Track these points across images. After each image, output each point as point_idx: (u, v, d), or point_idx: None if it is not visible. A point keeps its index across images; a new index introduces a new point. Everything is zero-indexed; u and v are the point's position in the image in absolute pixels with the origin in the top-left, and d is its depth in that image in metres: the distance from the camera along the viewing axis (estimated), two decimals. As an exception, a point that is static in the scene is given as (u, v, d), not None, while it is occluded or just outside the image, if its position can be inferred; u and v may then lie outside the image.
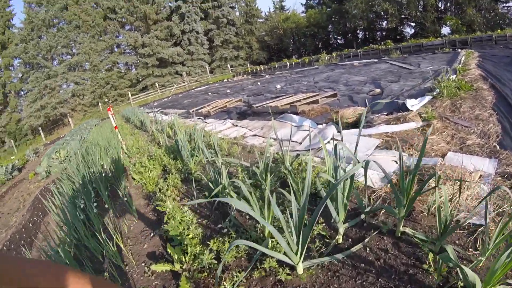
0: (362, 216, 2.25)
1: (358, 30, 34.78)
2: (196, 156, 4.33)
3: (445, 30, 25.20)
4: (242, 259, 2.15)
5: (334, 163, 2.07)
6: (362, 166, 1.66)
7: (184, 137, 4.43)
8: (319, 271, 1.86)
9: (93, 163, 5.15)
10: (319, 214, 1.57)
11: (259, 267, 1.96)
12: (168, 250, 2.27)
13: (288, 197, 2.12)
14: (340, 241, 2.08)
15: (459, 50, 13.11)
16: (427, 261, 1.75)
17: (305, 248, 1.73)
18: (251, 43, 42.02)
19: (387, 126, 4.52)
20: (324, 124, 5.18)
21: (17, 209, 8.18)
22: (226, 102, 10.69)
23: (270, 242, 2.11)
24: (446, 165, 2.76)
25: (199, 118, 9.65)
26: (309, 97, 7.30)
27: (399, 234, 2.01)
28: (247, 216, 2.71)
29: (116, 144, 6.63)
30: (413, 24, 28.52)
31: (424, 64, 10.34)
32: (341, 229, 2.03)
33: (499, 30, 16.30)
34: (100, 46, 36.73)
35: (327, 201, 1.86)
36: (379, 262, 1.83)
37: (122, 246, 2.66)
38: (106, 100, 34.58)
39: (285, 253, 1.70)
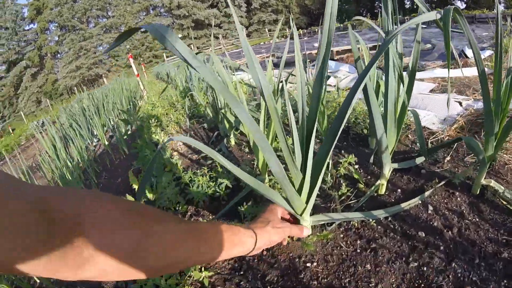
0: (418, 161, 1.42)
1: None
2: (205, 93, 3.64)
3: (499, 8, 23.91)
4: (223, 203, 1.42)
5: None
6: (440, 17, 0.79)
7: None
8: (341, 235, 1.08)
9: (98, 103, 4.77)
10: (352, 105, 0.76)
11: (242, 217, 1.22)
12: (130, 180, 1.60)
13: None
14: (383, 191, 1.26)
15: (516, 23, 12.06)
16: None
17: (318, 185, 0.92)
18: (291, 7, 39.85)
19: (444, 70, 3.58)
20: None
21: (34, 155, 8.50)
22: (257, 57, 9.85)
23: (267, 179, 1.36)
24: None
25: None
26: (347, 49, 6.34)
27: (478, 191, 1.17)
28: (247, 149, 1.99)
29: (134, 90, 6.36)
30: (465, -3, 27.04)
31: (478, 31, 9.76)
32: (387, 169, 1.20)
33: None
34: (135, 8, 36.57)
35: (372, 102, 1.04)
36: (450, 233, 1.01)
37: (94, 179, 2.45)
38: (141, 60, 34.50)
39: (279, 189, 0.91)
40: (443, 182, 1.25)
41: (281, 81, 1.36)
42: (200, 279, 1.02)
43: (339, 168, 1.40)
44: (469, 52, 4.37)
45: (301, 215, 0.94)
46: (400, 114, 1.18)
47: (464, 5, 27.19)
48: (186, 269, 1.03)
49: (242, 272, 1.03)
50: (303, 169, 0.87)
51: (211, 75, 0.63)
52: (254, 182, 0.85)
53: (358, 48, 1.40)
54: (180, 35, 36.45)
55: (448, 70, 0.80)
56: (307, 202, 0.91)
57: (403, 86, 1.09)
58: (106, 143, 3.62)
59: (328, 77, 1.93)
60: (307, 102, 0.89)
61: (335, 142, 0.83)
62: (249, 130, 0.70)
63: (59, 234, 0.41)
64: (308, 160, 0.85)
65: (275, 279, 0.96)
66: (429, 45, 6.61)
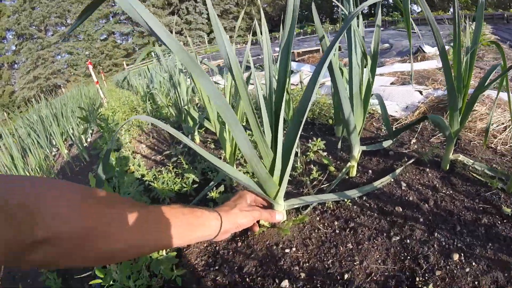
0: (385, 144, 1.43)
1: (364, 5, 35.17)
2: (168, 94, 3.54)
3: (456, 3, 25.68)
4: (190, 199, 1.35)
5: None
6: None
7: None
8: (317, 218, 1.05)
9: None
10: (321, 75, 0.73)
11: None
12: (90, 183, 1.49)
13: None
14: (354, 173, 1.25)
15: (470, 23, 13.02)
16: (504, 204, 0.96)
17: (289, 165, 0.87)
18: (252, 13, 40.19)
19: (402, 64, 3.72)
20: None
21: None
22: (218, 62, 9.79)
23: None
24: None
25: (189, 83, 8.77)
26: (308, 50, 6.46)
27: (447, 167, 1.20)
28: (212, 145, 1.90)
29: (94, 98, 6.17)
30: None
31: None
32: (356, 150, 1.18)
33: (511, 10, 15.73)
34: (95, 15, 35.39)
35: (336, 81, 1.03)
36: (427, 206, 1.01)
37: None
38: (100, 68, 33.38)
39: (250, 176, 0.86)
40: (412, 160, 1.26)
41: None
42: (172, 278, 0.95)
43: (308, 154, 1.38)
44: (426, 48, 4.56)
45: (274, 198, 0.89)
46: (365, 93, 1.17)
47: (420, 9, 29.00)
48: (155, 268, 0.96)
49: (217, 267, 0.96)
50: (274, 147, 0.82)
51: (176, 44, 0.57)
52: (224, 165, 0.79)
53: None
54: (140, 42, 35.72)
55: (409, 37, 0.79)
56: (280, 184, 0.87)
57: (367, 64, 1.09)
58: (66, 151, 3.43)
59: (292, 71, 1.93)
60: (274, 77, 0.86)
61: (305, 118, 0.80)
62: (215, 104, 0.65)
63: (8, 220, 0.39)
64: (278, 138, 0.80)
65: (254, 269, 0.90)
66: (387, 45, 6.89)
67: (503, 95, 1.94)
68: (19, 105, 33.49)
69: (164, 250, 1.00)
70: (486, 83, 1.07)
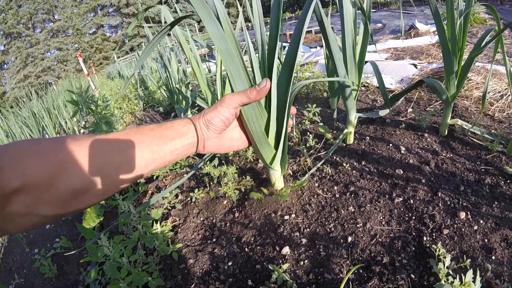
0: (382, 113, 1.39)
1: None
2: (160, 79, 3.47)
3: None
4: (185, 175, 1.30)
5: None
6: None
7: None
8: (316, 184, 1.01)
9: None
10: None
11: (207, 182, 1.12)
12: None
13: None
14: (351, 140, 1.22)
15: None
16: (506, 165, 0.95)
17: (285, 125, 0.80)
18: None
19: (396, 41, 3.69)
20: (318, 47, 4.28)
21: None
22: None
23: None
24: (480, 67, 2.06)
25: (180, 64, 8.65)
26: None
27: (446, 132, 1.18)
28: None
29: (85, 90, 6.04)
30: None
31: (428, 11, 9.79)
32: (352, 116, 1.15)
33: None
34: (82, 9, 34.78)
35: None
36: (428, 168, 0.99)
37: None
38: (90, 62, 32.95)
39: None
40: (408, 129, 1.23)
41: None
42: (169, 254, 0.92)
43: (304, 121, 1.34)
44: (419, 25, 4.52)
45: (271, 164, 0.84)
46: (360, 55, 1.13)
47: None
48: (149, 243, 0.92)
49: (214, 239, 0.93)
50: (268, 107, 0.77)
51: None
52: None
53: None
54: (130, 34, 35.26)
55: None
56: (276, 148, 0.81)
57: (362, 19, 1.04)
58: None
59: (283, 47, 1.89)
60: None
61: (295, 65, 0.76)
62: (218, 48, 0.60)
63: None
64: (271, 96, 0.75)
65: (252, 239, 0.87)
66: (380, 25, 6.82)
67: (498, 67, 1.91)
68: (11, 105, 33.08)
69: (159, 225, 0.97)
70: (482, 44, 1.04)
